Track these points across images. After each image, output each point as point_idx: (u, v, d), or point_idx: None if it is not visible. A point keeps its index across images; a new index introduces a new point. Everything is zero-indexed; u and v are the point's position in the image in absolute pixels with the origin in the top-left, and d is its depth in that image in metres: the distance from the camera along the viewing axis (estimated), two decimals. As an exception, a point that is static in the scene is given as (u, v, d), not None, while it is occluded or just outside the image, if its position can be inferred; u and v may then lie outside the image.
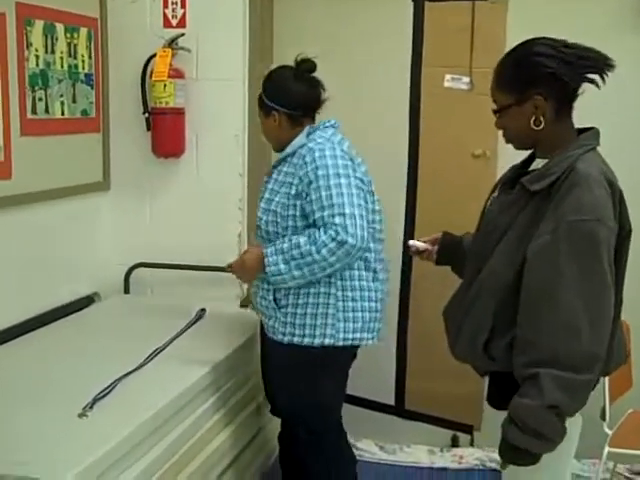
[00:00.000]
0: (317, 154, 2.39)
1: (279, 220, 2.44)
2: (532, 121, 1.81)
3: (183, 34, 3.26)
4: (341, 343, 2.47)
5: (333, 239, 2.29)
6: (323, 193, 2.34)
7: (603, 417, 2.84)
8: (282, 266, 2.37)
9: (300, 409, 2.62)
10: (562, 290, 1.68)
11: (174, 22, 3.30)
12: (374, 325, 2.54)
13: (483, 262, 1.86)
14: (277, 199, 2.46)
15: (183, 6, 3.28)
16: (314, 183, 2.36)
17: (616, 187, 1.77)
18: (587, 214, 1.69)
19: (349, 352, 2.57)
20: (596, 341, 1.68)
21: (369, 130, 3.47)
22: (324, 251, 2.30)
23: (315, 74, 2.58)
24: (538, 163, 1.88)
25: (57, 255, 3.12)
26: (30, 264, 2.95)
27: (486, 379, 1.99)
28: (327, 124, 2.55)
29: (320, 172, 2.36)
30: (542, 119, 1.80)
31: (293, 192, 2.42)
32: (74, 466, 1.80)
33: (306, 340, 2.46)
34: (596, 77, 1.79)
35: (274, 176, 2.53)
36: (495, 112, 1.89)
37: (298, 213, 2.41)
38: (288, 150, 2.51)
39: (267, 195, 2.50)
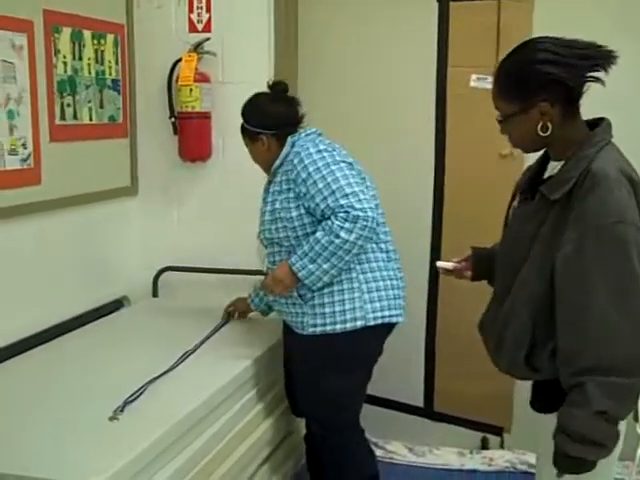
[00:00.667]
0: (303, 154, 2.50)
1: (287, 224, 2.53)
2: (539, 127, 1.76)
3: (208, 38, 3.28)
4: (372, 323, 2.53)
5: (345, 219, 2.39)
6: (320, 185, 2.44)
7: (636, 418, 2.79)
8: (310, 266, 2.43)
9: (329, 405, 2.63)
10: (596, 296, 1.65)
11: (199, 27, 3.32)
12: (399, 302, 2.62)
13: (513, 274, 1.83)
14: (279, 206, 2.54)
15: (208, 10, 3.30)
16: (309, 179, 2.46)
17: (637, 183, 1.72)
18: (610, 217, 1.65)
19: (380, 334, 2.62)
20: (637, 342, 1.65)
21: (395, 131, 3.47)
22: (342, 234, 2.39)
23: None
24: (554, 167, 1.83)
25: (86, 259, 3.15)
26: (59, 269, 2.97)
27: (519, 382, 1.97)
28: (309, 131, 2.64)
29: (311, 168, 2.47)
30: (549, 125, 1.76)
31: (292, 195, 2.51)
32: (103, 470, 1.80)
33: (338, 327, 2.52)
34: (600, 74, 1.73)
35: (270, 190, 2.62)
36: (500, 121, 1.84)
37: (303, 211, 2.51)
38: (277, 162, 2.60)
39: (269, 207, 2.59)
